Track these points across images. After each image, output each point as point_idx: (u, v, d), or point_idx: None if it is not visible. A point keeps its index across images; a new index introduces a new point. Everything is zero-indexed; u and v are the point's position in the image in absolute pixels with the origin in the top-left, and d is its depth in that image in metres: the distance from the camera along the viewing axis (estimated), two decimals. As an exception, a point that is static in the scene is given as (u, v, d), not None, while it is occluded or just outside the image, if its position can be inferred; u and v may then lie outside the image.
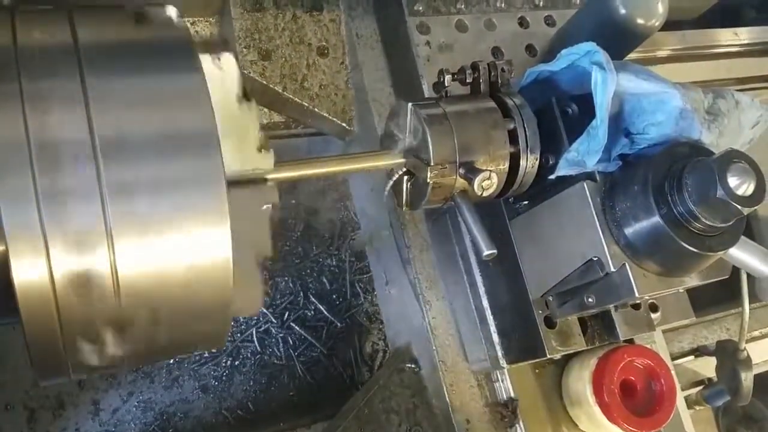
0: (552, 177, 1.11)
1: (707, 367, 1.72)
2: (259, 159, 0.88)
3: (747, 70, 1.97)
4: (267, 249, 0.86)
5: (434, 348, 1.35)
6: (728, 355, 1.55)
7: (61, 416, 2.11)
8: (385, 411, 1.33)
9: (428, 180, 1.04)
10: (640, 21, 1.19)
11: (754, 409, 1.98)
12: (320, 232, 2.42)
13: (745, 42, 1.94)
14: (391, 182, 1.11)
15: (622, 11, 1.19)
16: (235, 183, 0.82)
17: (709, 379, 1.73)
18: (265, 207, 0.86)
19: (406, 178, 1.11)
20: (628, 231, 1.07)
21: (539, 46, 1.39)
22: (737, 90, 1.91)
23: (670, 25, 1.68)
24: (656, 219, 1.03)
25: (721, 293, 1.32)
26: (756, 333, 1.80)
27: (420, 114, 1.06)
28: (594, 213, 1.09)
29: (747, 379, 1.52)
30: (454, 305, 1.38)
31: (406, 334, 1.46)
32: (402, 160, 1.08)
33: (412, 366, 1.40)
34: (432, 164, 1.03)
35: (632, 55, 1.77)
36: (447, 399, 1.33)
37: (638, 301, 1.25)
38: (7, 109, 0.68)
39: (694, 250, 1.03)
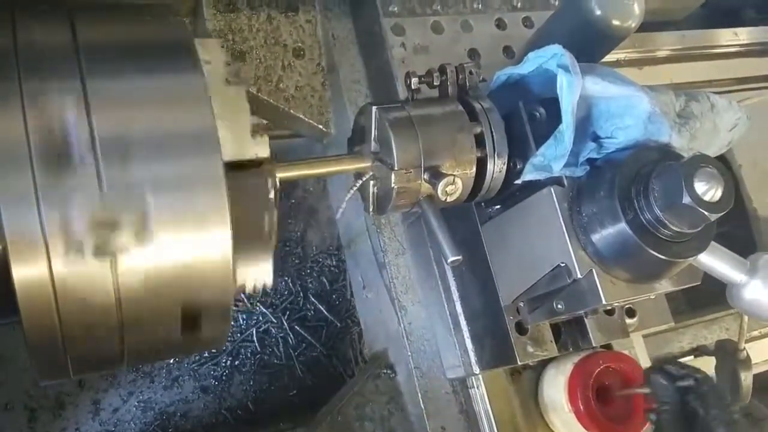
0: (518, 182, 1.09)
1: (707, 366, 1.69)
2: (254, 145, 0.85)
3: (747, 70, 1.96)
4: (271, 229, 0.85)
5: (409, 354, 1.33)
6: (728, 354, 1.54)
7: (61, 416, 2.11)
8: (359, 418, 1.32)
9: (393, 185, 1.03)
10: (615, 22, 1.17)
11: (754, 409, 1.96)
12: (320, 232, 2.42)
13: (745, 42, 1.93)
14: (356, 186, 1.10)
15: (598, 12, 1.16)
16: (234, 166, 0.81)
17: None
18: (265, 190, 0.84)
19: (372, 182, 1.09)
20: (595, 237, 1.05)
21: (517, 48, 1.36)
22: (737, 90, 1.91)
23: (657, 26, 1.66)
24: (622, 225, 1.01)
25: (721, 293, 1.29)
26: (755, 333, 1.79)
27: (384, 118, 1.04)
28: (561, 218, 1.07)
29: (746, 378, 1.50)
30: (430, 310, 1.36)
31: (383, 339, 1.45)
32: (367, 164, 1.07)
33: (388, 372, 1.38)
34: (396, 169, 1.02)
35: (631, 55, 1.76)
36: (422, 405, 1.31)
37: (609, 308, 1.22)
38: (7, 108, 0.69)
39: (662, 256, 1.00)
